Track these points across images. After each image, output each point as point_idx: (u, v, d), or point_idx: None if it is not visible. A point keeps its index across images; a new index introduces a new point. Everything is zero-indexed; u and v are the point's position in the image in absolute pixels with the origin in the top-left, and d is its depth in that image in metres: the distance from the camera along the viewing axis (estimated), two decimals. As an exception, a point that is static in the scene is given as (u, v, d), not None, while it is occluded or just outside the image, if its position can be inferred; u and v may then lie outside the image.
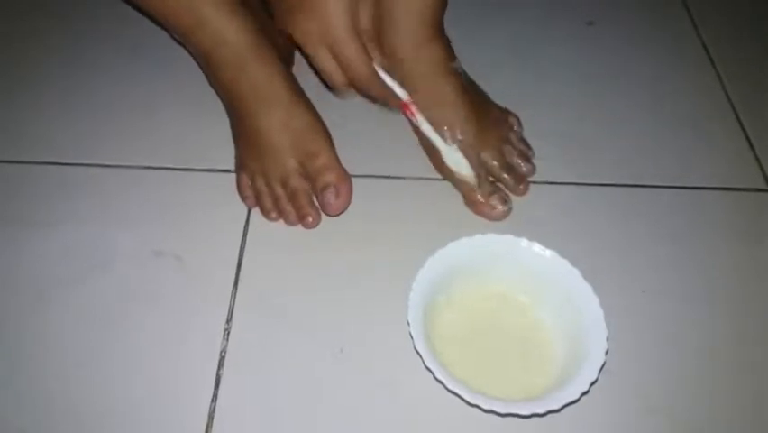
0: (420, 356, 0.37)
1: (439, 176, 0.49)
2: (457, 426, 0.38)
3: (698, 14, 0.64)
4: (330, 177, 0.45)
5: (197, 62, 0.49)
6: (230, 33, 0.44)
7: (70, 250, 0.44)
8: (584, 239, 0.46)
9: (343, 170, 0.46)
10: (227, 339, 0.40)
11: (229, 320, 0.41)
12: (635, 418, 0.38)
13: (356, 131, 0.51)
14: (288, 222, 0.46)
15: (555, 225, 0.47)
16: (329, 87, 0.44)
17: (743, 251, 0.46)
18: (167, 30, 0.50)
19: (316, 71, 0.44)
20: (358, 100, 0.51)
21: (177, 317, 0.41)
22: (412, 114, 0.45)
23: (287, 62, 0.51)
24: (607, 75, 0.58)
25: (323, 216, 0.46)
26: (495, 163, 0.48)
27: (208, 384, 0.39)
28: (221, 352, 0.40)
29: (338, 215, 0.45)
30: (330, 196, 0.44)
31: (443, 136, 0.46)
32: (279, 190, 0.46)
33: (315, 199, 0.46)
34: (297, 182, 0.46)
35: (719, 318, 0.43)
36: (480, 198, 0.46)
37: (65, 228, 0.45)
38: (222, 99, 0.49)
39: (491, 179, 0.47)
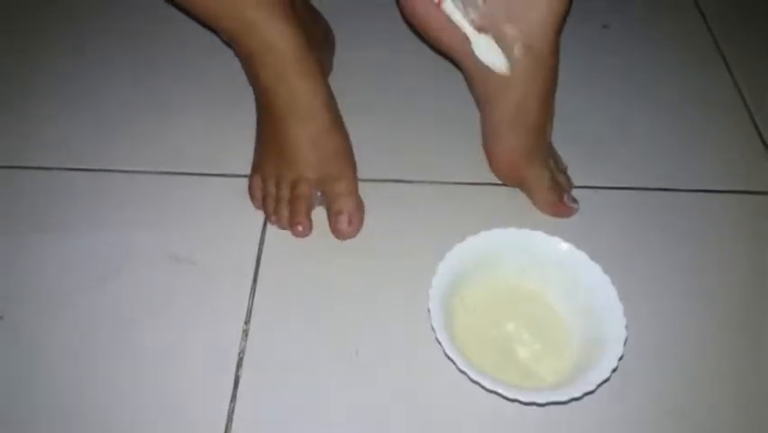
0: (451, 359, 0.37)
1: (451, 180, 0.50)
2: (477, 420, 0.38)
3: (711, 17, 0.64)
4: (347, 204, 0.46)
5: (240, 61, 0.48)
6: (278, 40, 0.44)
7: (87, 255, 0.45)
8: (599, 240, 0.46)
9: (360, 199, 0.47)
10: (246, 340, 0.41)
11: (247, 321, 0.42)
12: (646, 416, 0.39)
13: (370, 135, 0.52)
14: (280, 224, 0.46)
15: (570, 226, 0.47)
16: None
17: (758, 253, 0.46)
18: (213, 31, 0.50)
19: None
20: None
21: (195, 319, 0.42)
22: None
23: (325, 73, 0.51)
24: (621, 78, 0.58)
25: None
26: (554, 166, 0.49)
27: (227, 385, 0.39)
28: (239, 353, 0.41)
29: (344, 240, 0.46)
30: (343, 222, 0.45)
31: (471, 23, 0.43)
32: (286, 192, 0.46)
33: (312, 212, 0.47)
34: (304, 189, 0.46)
35: (735, 319, 0.43)
36: (556, 198, 0.47)
37: (81, 234, 0.46)
38: (257, 100, 0.49)
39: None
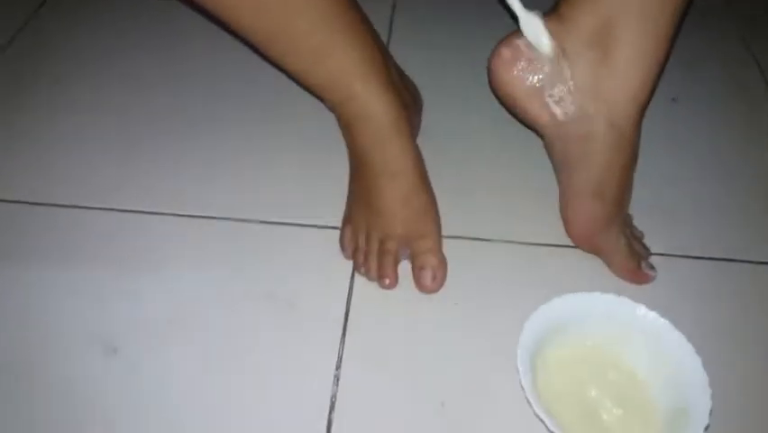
0: (541, 420, 0.38)
1: (529, 241, 0.52)
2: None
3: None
4: (432, 260, 0.48)
5: (337, 119, 0.52)
6: (377, 109, 0.48)
7: (190, 295, 0.48)
8: (677, 308, 0.46)
9: (443, 256, 0.49)
10: (337, 385, 0.44)
11: (338, 367, 0.44)
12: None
13: (454, 194, 0.55)
14: (369, 276, 0.49)
15: (647, 293, 0.48)
16: None
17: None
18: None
19: None
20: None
21: (288, 360, 0.45)
22: None
23: (414, 134, 0.55)
24: (691, 149, 0.60)
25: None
26: (631, 234, 0.51)
27: (321, 428, 0.41)
28: (332, 397, 0.43)
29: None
30: (427, 277, 0.48)
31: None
32: (375, 246, 0.49)
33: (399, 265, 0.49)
34: (393, 245, 0.49)
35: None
36: (634, 265, 0.49)
37: (185, 274, 0.50)
38: (350, 155, 0.52)
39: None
